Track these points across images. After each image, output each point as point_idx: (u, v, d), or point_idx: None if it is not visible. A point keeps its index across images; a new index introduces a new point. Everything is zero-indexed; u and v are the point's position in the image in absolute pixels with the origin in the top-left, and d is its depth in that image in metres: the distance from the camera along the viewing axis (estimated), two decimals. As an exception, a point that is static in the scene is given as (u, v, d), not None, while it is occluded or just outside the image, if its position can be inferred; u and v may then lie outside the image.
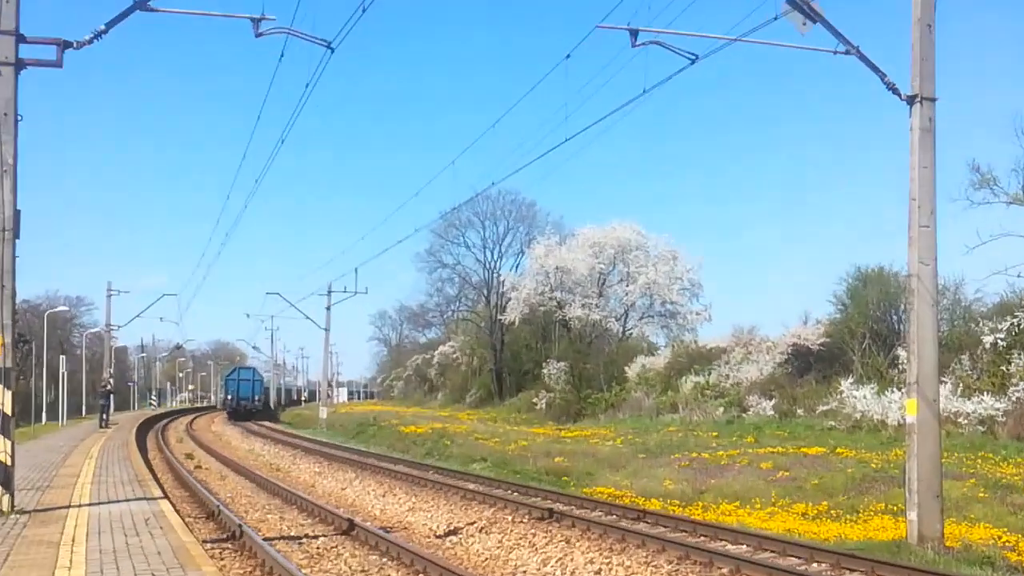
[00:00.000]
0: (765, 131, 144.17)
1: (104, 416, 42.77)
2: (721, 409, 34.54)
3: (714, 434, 29.33)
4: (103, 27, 12.75)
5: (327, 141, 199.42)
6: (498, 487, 21.87)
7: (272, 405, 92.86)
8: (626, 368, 46.06)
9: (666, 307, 53.48)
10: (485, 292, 71.37)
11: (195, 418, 73.67)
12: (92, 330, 78.41)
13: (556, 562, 12.94)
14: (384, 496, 21.48)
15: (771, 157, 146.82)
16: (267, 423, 66.00)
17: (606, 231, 53.78)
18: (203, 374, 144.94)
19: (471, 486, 21.95)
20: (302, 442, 41.38)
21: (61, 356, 52.88)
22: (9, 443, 12.31)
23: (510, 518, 16.58)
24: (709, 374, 38.80)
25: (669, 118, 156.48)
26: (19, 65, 12.47)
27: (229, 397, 73.55)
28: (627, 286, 52.61)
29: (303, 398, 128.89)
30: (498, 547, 14.31)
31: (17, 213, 12.43)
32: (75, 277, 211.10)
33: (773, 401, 32.82)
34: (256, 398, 73.50)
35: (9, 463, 12.39)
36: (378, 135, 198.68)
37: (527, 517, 16.61)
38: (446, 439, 34.44)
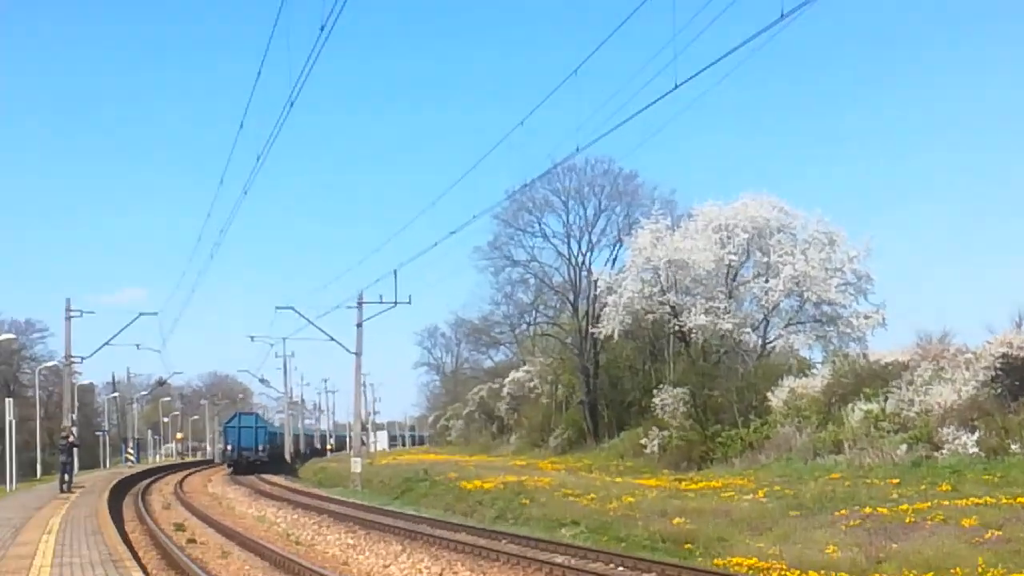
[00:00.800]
0: (950, 66, 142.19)
1: (66, 477, 43.64)
2: (904, 447, 33.97)
3: (894, 481, 28.86)
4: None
5: (351, 99, 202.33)
6: (596, 560, 21.84)
7: (288, 456, 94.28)
8: (769, 394, 45.59)
9: (822, 309, 52.77)
10: (571, 298, 71.34)
11: (186, 476, 75.05)
12: (47, 363, 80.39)
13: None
14: (441, 575, 21.58)
15: (955, 103, 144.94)
16: (280, 480, 66.97)
17: (735, 209, 53.33)
18: (195, 418, 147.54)
19: (559, 559, 21.97)
20: (329, 505, 41.81)
21: (7, 399, 54.10)
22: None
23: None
24: (885, 400, 38.19)
25: (816, 54, 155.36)
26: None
27: (229, 448, 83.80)
28: (767, 282, 52.07)
29: (329, 446, 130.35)
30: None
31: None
32: (23, 296, 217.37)
33: (977, 434, 32.17)
34: (260, 448, 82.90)
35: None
36: (420, 88, 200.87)
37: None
38: (523, 497, 34.47)
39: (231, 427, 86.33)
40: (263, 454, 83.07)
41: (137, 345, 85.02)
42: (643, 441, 51.54)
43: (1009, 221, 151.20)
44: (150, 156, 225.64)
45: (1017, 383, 34.55)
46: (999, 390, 34.57)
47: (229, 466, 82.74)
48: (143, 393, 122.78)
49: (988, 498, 23.72)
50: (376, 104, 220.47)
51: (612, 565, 21.05)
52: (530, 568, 21.28)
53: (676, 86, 17.91)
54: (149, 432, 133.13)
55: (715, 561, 20.82)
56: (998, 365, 35.22)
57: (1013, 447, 30.51)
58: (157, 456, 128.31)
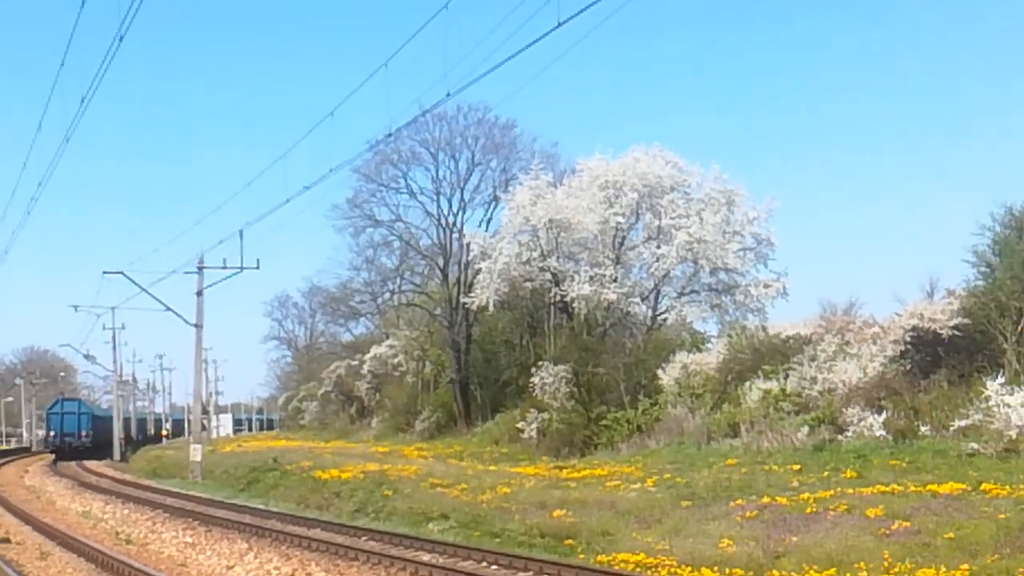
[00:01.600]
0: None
1: None
2: (805, 429, 34.61)
3: (795, 467, 29.42)
4: None
5: (192, 31, 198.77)
6: (467, 557, 21.94)
7: (119, 442, 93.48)
8: (659, 372, 46.12)
9: (719, 277, 53.45)
10: (441, 263, 71.35)
11: (-1, 467, 73.59)
12: None
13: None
14: (293, 577, 21.51)
15: (868, 58, 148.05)
16: (108, 471, 66.18)
17: (624, 164, 53.54)
18: (9, 399, 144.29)
19: (426, 557, 22.04)
20: (165, 499, 41.37)
21: None
22: None
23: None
24: (786, 377, 38.89)
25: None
26: None
27: (52, 434, 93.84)
28: (659, 247, 52.53)
29: (165, 432, 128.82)
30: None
31: None
32: None
33: (884, 415, 32.86)
34: (84, 434, 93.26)
35: None
36: (270, 21, 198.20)
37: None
38: (386, 488, 34.48)
39: (54, 413, 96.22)
40: (87, 440, 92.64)
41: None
42: (520, 425, 51.79)
43: (921, 182, 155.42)
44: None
45: (928, 359, 35.42)
46: (908, 366, 35.40)
47: (52, 452, 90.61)
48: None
49: (895, 485, 24.27)
50: (220, 37, 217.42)
51: (485, 563, 21.19)
52: (393, 568, 21.32)
53: (559, 24, 17.95)
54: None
55: (599, 558, 21.02)
56: (908, 339, 36.09)
57: (923, 429, 31.21)
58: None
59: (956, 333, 35.13)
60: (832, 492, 24.25)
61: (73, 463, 78.76)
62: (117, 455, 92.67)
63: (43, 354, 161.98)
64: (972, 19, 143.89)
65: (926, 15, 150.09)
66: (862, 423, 32.98)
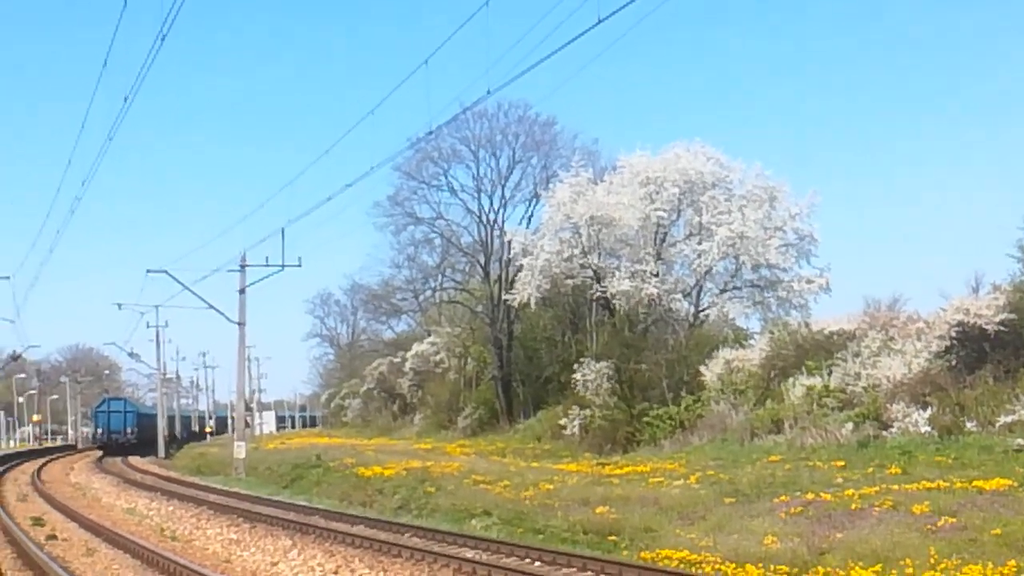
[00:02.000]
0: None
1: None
2: (849, 425, 34.43)
3: (839, 463, 29.28)
4: None
5: (233, 34, 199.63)
6: (510, 554, 21.93)
7: (162, 439, 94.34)
8: (702, 368, 46.01)
9: (761, 273, 53.23)
10: (482, 260, 71.40)
11: (45, 463, 74.27)
12: None
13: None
14: (336, 573, 21.57)
15: (911, 48, 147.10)
16: (153, 468, 66.63)
17: (665, 160, 53.42)
18: (55, 397, 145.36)
19: (469, 554, 22.03)
20: (209, 495, 41.57)
21: None
22: None
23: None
24: (829, 373, 38.70)
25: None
26: None
27: (100, 431, 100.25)
28: (700, 243, 52.37)
29: (209, 429, 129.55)
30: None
31: None
32: None
33: (929, 411, 32.68)
34: (129, 431, 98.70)
35: None
36: (312, 23, 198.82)
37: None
38: (429, 484, 34.52)
39: (101, 411, 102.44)
40: (132, 437, 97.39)
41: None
42: (562, 421, 51.73)
43: (965, 178, 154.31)
44: (1, 95, 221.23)
45: (974, 354, 35.13)
46: (954, 362, 35.13)
47: (100, 448, 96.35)
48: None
49: (941, 482, 24.08)
50: (262, 35, 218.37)
51: (528, 560, 21.17)
52: (436, 564, 21.32)
53: (599, 20, 17.90)
54: (1, 413, 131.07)
55: (642, 554, 20.98)
56: (953, 335, 35.77)
57: (968, 425, 31.02)
58: (11, 441, 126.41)
59: (1002, 328, 34.81)
60: (877, 488, 24.10)
61: (119, 460, 79.43)
62: (162, 452, 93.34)
63: (88, 352, 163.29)
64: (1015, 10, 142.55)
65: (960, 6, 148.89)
66: (907, 419, 32.79)
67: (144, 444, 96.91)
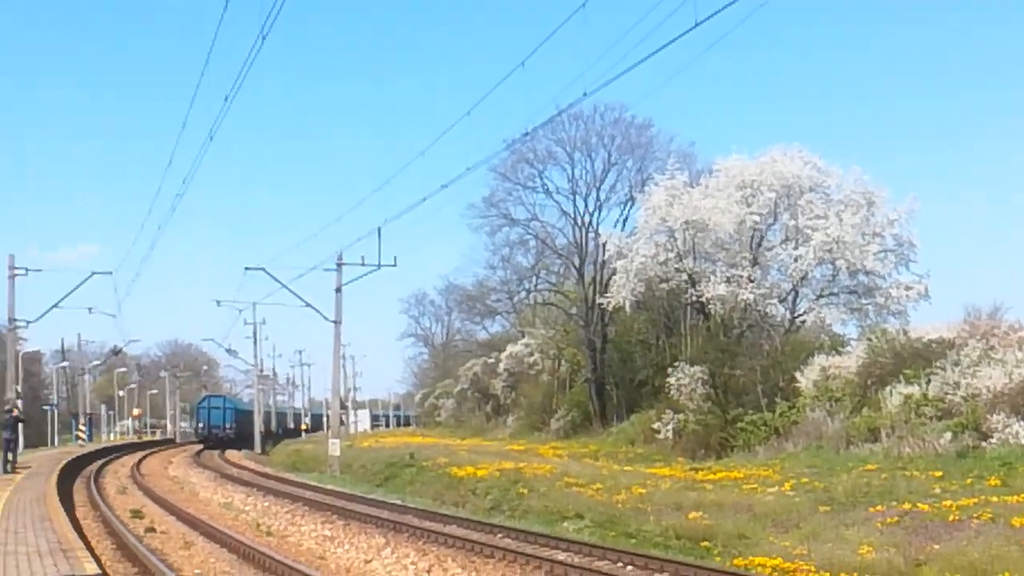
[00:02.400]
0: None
1: (10, 456, 43.74)
2: (948, 435, 34.03)
3: (937, 474, 28.94)
4: None
5: (334, 35, 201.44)
6: (603, 558, 21.91)
7: (258, 435, 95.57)
8: (797, 375, 45.66)
9: (858, 279, 52.73)
10: (576, 262, 71.39)
11: (144, 457, 75.38)
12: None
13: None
14: (429, 572, 21.69)
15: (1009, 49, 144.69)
16: (250, 464, 67.42)
17: (762, 164, 53.14)
18: (154, 391, 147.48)
19: (561, 556, 22.04)
20: (304, 492, 41.93)
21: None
22: None
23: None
24: (928, 382, 38.24)
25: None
26: None
27: (201, 426, 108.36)
28: (796, 248, 52.00)
29: (304, 426, 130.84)
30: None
31: None
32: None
33: (1031, 422, 32.27)
34: (228, 426, 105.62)
35: None
36: (411, 25, 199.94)
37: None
38: (521, 486, 34.57)
39: (202, 407, 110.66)
40: (231, 432, 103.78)
41: (89, 309, 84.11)
42: (656, 425, 51.59)
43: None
44: (106, 94, 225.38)
45: (1077, 364, 34.59)
46: (1056, 373, 34.60)
47: (201, 441, 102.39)
48: (96, 363, 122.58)
49: (1042, 494, 23.80)
50: (362, 42, 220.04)
51: (620, 564, 21.14)
52: (528, 566, 21.35)
53: (696, 24, 17.83)
54: (103, 407, 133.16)
55: (735, 561, 20.90)
56: (1055, 344, 35.26)
57: (1071, 436, 30.58)
58: (111, 434, 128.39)
59: (1106, 338, 34.28)
60: (975, 500, 23.80)
61: (216, 455, 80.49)
62: (258, 448, 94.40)
63: (186, 348, 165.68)
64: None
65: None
66: (1007, 430, 32.35)
67: (241, 439, 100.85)
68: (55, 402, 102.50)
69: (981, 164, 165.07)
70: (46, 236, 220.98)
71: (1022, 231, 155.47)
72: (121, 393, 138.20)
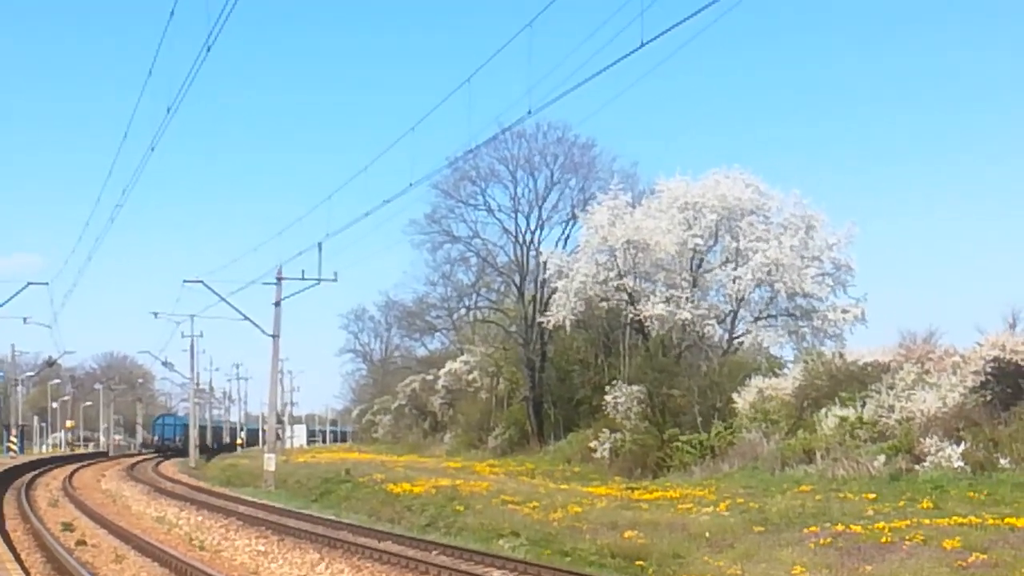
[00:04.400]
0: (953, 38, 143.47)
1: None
2: (882, 458, 34.29)
3: (870, 496, 29.13)
4: None
5: (275, 49, 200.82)
6: (537, 575, 21.89)
7: (193, 449, 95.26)
8: (734, 396, 45.88)
9: (796, 302, 53.13)
10: (517, 281, 71.42)
11: (77, 469, 74.56)
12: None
13: None
14: (363, 588, 21.57)
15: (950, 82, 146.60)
16: (184, 478, 66.99)
17: (704, 186, 53.44)
18: (88, 404, 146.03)
19: (496, 574, 22.06)
20: (239, 507, 41.64)
21: None
22: None
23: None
24: (863, 405, 38.54)
25: (798, 21, 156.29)
26: None
27: (156, 438, 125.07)
28: (736, 269, 52.31)
29: (240, 441, 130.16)
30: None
31: None
32: None
33: (963, 446, 32.50)
34: (178, 439, 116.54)
35: None
36: (356, 39, 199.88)
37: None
38: (457, 503, 34.48)
39: (158, 423, 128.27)
40: (180, 443, 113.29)
41: (24, 318, 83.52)
42: (593, 444, 51.71)
43: (1005, 212, 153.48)
44: (45, 101, 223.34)
45: (1009, 390, 34.90)
46: (989, 398, 34.90)
47: (157, 451, 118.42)
48: (29, 374, 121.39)
49: (973, 517, 23.95)
50: (306, 57, 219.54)
51: (555, 582, 21.15)
52: (463, 584, 21.35)
53: (642, 44, 17.91)
54: (35, 419, 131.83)
55: (670, 580, 20.94)
56: (988, 370, 35.56)
57: (1002, 462, 30.87)
58: (44, 446, 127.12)
59: (1039, 365, 34.65)
60: (908, 522, 23.97)
61: (149, 468, 79.91)
62: (192, 462, 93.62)
63: (122, 360, 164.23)
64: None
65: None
66: (940, 453, 32.62)
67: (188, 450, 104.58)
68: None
69: (918, 189, 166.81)
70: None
71: (958, 258, 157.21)
72: (55, 405, 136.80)
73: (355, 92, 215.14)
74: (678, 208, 52.75)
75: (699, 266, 53.98)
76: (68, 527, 33.41)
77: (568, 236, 67.63)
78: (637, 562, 23.27)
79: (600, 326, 62.07)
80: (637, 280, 53.15)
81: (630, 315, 53.75)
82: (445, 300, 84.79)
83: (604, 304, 55.33)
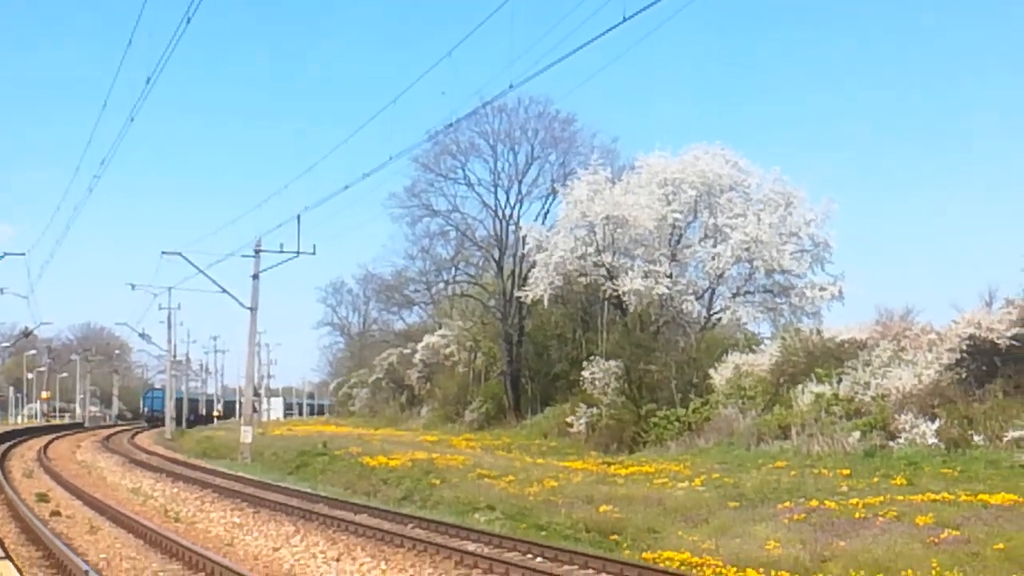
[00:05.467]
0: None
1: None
2: (857, 434, 34.46)
3: (845, 472, 29.31)
4: None
5: (257, 19, 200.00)
6: (512, 548, 21.98)
7: (171, 419, 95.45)
8: (711, 371, 46.02)
9: (774, 279, 53.18)
10: (496, 255, 71.40)
11: (52, 440, 74.52)
12: None
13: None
14: (338, 560, 21.60)
15: (931, 65, 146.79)
16: (160, 450, 67.01)
17: (684, 162, 53.38)
18: (64, 375, 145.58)
19: (471, 547, 22.08)
20: (214, 479, 41.69)
21: None
22: None
23: (530, 595, 16.63)
24: (839, 382, 38.69)
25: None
26: None
27: (146, 410, 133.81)
28: (714, 245, 52.35)
29: (216, 413, 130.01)
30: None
31: None
32: None
33: (937, 423, 32.70)
34: (163, 411, 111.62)
35: None
36: (333, 18, 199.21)
37: (556, 594, 16.63)
38: (434, 476, 34.58)
39: (147, 396, 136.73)
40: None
41: (0, 289, 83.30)
42: (569, 419, 51.81)
43: (982, 191, 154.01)
44: (23, 69, 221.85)
45: (984, 368, 35.09)
46: (964, 375, 35.07)
47: (147, 421, 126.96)
48: (5, 345, 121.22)
49: (946, 494, 24.11)
50: (286, 28, 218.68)
51: (530, 555, 21.22)
52: (439, 556, 21.39)
53: (624, 19, 17.91)
54: (11, 389, 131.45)
55: (644, 555, 21.01)
56: (964, 348, 35.72)
57: (976, 439, 31.04)
58: (19, 417, 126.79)
59: (1013, 343, 34.76)
60: (882, 498, 24.12)
61: (124, 440, 79.87)
62: (168, 434, 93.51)
63: (99, 331, 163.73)
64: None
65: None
66: (914, 430, 32.83)
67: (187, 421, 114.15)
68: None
69: (899, 169, 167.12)
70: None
71: (936, 236, 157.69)
72: (30, 376, 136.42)
73: (336, 64, 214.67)
74: (657, 184, 52.68)
75: (678, 242, 53.94)
76: (43, 498, 33.42)
77: (548, 211, 67.74)
78: (612, 536, 23.41)
79: (578, 301, 62.11)
80: (616, 255, 53.05)
81: (608, 290, 53.62)
82: (424, 274, 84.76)
83: (582, 279, 55.31)
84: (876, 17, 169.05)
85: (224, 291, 61.35)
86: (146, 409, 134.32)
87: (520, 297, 60.96)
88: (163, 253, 62.56)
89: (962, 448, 30.86)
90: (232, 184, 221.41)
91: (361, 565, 20.86)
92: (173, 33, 24.54)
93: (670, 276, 51.51)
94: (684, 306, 52.67)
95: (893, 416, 34.18)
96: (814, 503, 24.24)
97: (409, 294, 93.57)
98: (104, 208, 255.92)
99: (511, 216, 69.84)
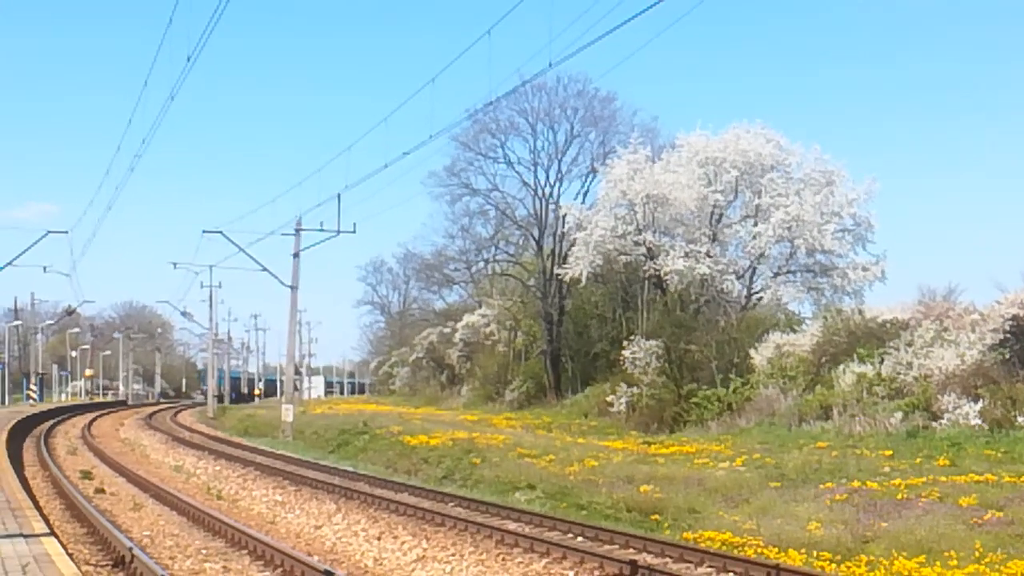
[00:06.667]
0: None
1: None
2: (899, 415, 34.31)
3: (887, 452, 29.18)
4: None
5: (297, 9, 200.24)
6: (552, 528, 21.97)
7: (213, 397, 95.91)
8: (752, 351, 45.86)
9: (816, 258, 52.99)
10: (536, 234, 71.31)
11: (96, 418, 75.00)
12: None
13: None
14: (379, 539, 21.67)
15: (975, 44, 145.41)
16: (202, 427, 67.31)
17: (725, 141, 53.24)
18: (107, 353, 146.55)
19: (511, 526, 22.08)
20: (256, 457, 41.84)
21: None
22: None
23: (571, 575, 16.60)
24: (881, 362, 38.48)
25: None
26: None
27: (204, 389, 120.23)
28: (756, 225, 52.18)
29: (258, 391, 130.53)
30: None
31: None
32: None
33: (980, 404, 32.51)
34: (223, 389, 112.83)
35: None
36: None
37: (597, 574, 16.59)
38: (474, 455, 34.60)
39: (205, 375, 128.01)
40: (220, 393, 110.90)
41: (44, 267, 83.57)
42: (610, 398, 51.73)
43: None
44: (64, 49, 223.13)
45: (1028, 348, 34.86)
46: (1007, 355, 34.84)
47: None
48: (49, 323, 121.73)
49: (989, 475, 23.99)
50: (328, 6, 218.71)
51: (570, 535, 21.20)
52: (479, 535, 21.40)
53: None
54: (55, 367, 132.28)
55: (684, 535, 21.01)
56: (1007, 328, 35.47)
57: (1020, 419, 30.85)
58: (63, 395, 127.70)
59: (1058, 323, 34.57)
60: (924, 479, 24.00)
61: (167, 418, 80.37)
62: (210, 412, 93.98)
63: (141, 310, 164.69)
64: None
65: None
66: (957, 411, 32.65)
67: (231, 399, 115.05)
68: (6, 361, 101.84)
69: (944, 148, 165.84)
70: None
71: (980, 215, 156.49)
72: (74, 354, 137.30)
73: (376, 42, 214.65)
74: (698, 163, 52.60)
75: (719, 221, 53.80)
76: (87, 475, 33.71)
77: (587, 190, 67.69)
78: (652, 516, 23.38)
79: (618, 280, 62.08)
80: (656, 234, 52.98)
81: (649, 270, 53.60)
82: (463, 253, 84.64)
83: (622, 258, 55.31)
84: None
85: (265, 269, 61.65)
86: (204, 388, 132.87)
87: (560, 276, 60.88)
88: (204, 232, 62.80)
89: (1005, 429, 30.67)
90: (273, 163, 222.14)
91: (402, 544, 20.94)
92: (213, 10, 24.53)
93: (711, 255, 51.37)
94: (724, 285, 52.56)
95: (936, 397, 34.00)
96: (856, 484, 24.15)
97: (449, 273, 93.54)
98: (145, 186, 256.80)
99: (551, 195, 69.89)
